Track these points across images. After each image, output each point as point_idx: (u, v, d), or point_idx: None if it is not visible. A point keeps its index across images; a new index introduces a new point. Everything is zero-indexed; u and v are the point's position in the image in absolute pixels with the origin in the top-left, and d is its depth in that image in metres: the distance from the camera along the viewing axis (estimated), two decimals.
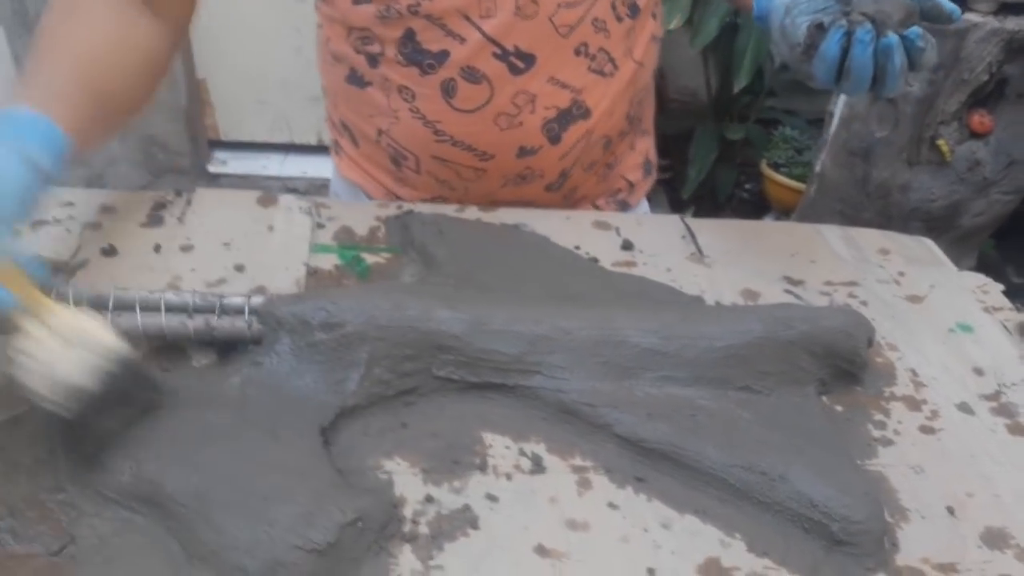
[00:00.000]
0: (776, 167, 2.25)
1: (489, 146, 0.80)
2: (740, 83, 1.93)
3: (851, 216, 1.50)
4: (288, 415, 0.54)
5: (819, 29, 0.60)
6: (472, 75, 0.75)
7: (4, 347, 0.49)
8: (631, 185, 0.93)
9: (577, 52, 0.77)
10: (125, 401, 0.50)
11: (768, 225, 0.88)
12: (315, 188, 2.44)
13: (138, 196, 0.75)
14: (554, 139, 0.80)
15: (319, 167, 2.42)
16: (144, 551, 0.47)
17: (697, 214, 2.29)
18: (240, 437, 0.52)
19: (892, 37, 0.58)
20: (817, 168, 1.62)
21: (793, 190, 2.18)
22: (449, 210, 0.79)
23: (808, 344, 0.62)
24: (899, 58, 0.58)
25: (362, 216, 0.77)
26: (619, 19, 0.78)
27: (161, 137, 2.27)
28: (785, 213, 2.26)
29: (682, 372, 0.60)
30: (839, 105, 1.51)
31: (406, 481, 0.53)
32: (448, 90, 0.76)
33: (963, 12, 1.21)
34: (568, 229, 0.78)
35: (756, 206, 2.42)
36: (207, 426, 0.52)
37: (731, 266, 0.76)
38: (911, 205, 1.43)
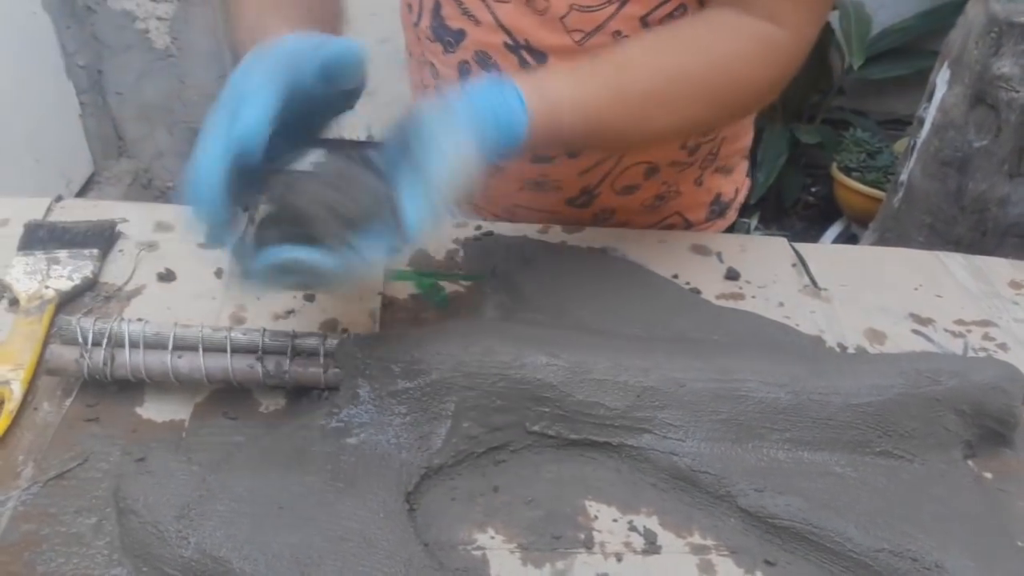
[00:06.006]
0: (847, 171, 2.13)
1: None
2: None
3: (941, 231, 1.39)
4: (369, 476, 0.48)
5: None
6: (484, 61, 0.68)
7: None
8: (688, 224, 0.81)
9: None
10: None
11: (884, 252, 0.79)
12: None
13: None
14: (570, 152, 0.71)
15: None
16: None
17: (763, 219, 2.19)
18: (317, 504, 0.46)
19: None
20: (903, 177, 1.51)
21: (866, 196, 2.06)
22: (531, 231, 0.72)
23: (956, 401, 0.54)
24: None
25: (439, 238, 0.70)
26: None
27: None
28: (858, 220, 2.15)
29: (814, 434, 0.52)
30: (931, 111, 1.40)
31: (502, 560, 0.46)
32: (464, 73, 0.70)
33: None
34: (663, 254, 0.71)
35: (824, 211, 2.31)
36: (279, 491, 0.46)
37: (850, 301, 0.68)
38: (1009, 220, 1.33)
